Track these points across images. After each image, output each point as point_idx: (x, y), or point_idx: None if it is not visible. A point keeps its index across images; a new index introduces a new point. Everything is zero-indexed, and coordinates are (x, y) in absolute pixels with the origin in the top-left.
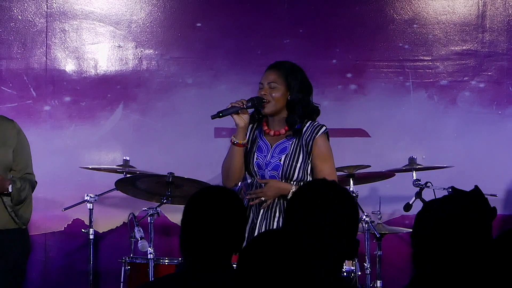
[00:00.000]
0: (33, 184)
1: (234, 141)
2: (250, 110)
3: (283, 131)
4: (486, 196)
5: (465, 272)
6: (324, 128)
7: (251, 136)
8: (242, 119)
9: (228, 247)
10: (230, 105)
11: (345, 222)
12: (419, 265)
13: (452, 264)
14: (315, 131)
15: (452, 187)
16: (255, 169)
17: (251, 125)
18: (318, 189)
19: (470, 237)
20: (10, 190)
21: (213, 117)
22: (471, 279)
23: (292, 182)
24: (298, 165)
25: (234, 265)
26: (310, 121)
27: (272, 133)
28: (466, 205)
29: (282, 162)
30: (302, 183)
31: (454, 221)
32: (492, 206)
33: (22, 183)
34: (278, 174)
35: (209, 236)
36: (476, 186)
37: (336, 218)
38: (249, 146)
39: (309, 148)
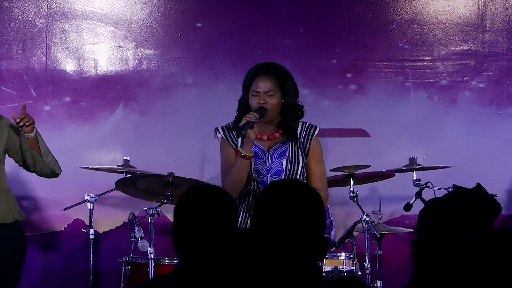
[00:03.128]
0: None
1: (245, 155)
2: None
3: (277, 135)
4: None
5: (468, 269)
6: (318, 129)
7: (240, 143)
8: (253, 133)
9: (221, 245)
10: (246, 120)
11: (313, 221)
12: (422, 264)
13: (456, 262)
14: (311, 133)
15: (454, 185)
16: (253, 175)
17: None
18: (284, 189)
19: (473, 233)
20: (32, 134)
21: (239, 135)
22: (474, 277)
23: None
24: (300, 168)
25: None
26: (301, 122)
27: (265, 137)
28: (468, 202)
29: (284, 167)
30: None
31: (457, 218)
32: (497, 203)
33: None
34: (280, 178)
35: (201, 235)
36: (478, 184)
37: (303, 217)
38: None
39: (306, 150)
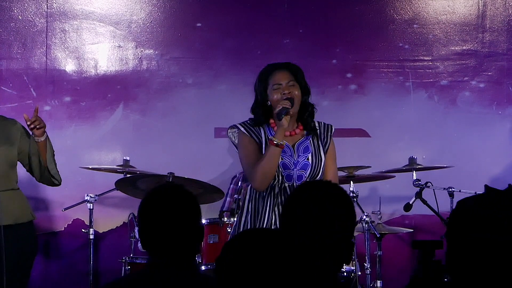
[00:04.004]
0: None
1: (278, 143)
2: None
3: (298, 130)
4: None
5: (502, 274)
6: (333, 128)
7: (266, 138)
8: (286, 121)
9: (186, 243)
10: (281, 107)
11: (343, 224)
12: (454, 268)
13: (489, 267)
14: (329, 130)
15: (485, 186)
16: (280, 169)
17: (261, 128)
18: (316, 190)
19: (507, 236)
20: (42, 138)
21: (280, 119)
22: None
23: None
24: (322, 164)
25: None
26: (316, 121)
27: (287, 133)
28: (502, 203)
29: (310, 161)
30: None
31: (490, 221)
32: None
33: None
34: (306, 173)
35: (165, 233)
36: (509, 185)
37: (334, 220)
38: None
39: (326, 147)
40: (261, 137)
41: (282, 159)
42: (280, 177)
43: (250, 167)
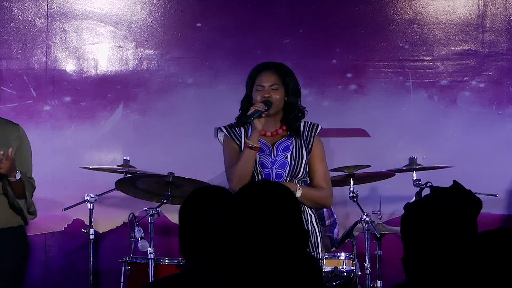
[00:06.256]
0: (33, 187)
1: (252, 145)
2: None
3: (280, 131)
4: (467, 189)
5: (455, 268)
6: (320, 127)
7: (244, 137)
8: (260, 123)
9: (225, 245)
10: (254, 110)
11: (287, 218)
12: (410, 268)
13: (443, 262)
14: (313, 130)
15: (431, 185)
16: (259, 168)
17: (242, 129)
18: (262, 190)
19: (457, 231)
20: (17, 177)
21: (244, 123)
22: (461, 275)
23: (295, 180)
24: (303, 162)
25: None
26: (303, 121)
27: (269, 133)
28: (448, 200)
29: (289, 160)
30: (301, 181)
31: (439, 219)
32: (477, 198)
33: (27, 180)
34: (285, 171)
35: (208, 236)
36: (454, 181)
37: (277, 215)
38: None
39: (309, 147)
40: (241, 138)
41: (260, 158)
42: (260, 176)
43: (228, 170)
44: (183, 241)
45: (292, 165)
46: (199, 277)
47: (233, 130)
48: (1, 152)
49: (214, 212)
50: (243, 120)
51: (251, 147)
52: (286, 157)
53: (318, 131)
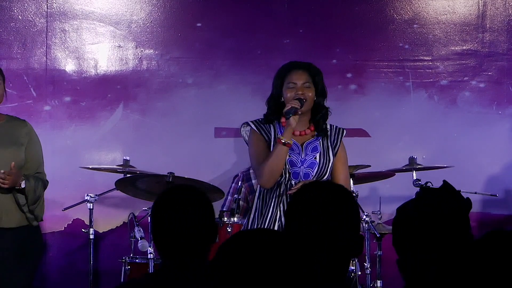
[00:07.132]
0: (45, 184)
1: (285, 142)
2: None
3: (308, 131)
4: (456, 189)
5: (454, 267)
6: (345, 132)
7: (275, 136)
8: (294, 120)
9: (200, 243)
10: (290, 106)
11: (346, 221)
12: (407, 270)
13: (442, 261)
14: (340, 134)
15: (420, 187)
16: (287, 166)
17: (271, 125)
18: (318, 190)
19: (453, 230)
20: (22, 186)
21: (287, 118)
22: (456, 276)
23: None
24: (330, 164)
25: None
26: (328, 124)
27: (297, 133)
28: (438, 201)
29: (317, 160)
30: None
31: (435, 218)
32: (466, 198)
33: (35, 182)
34: (313, 171)
35: (180, 234)
36: (444, 181)
37: (337, 217)
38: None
39: (335, 150)
40: (271, 135)
41: (289, 156)
42: (287, 174)
43: (258, 164)
44: (157, 241)
45: (320, 166)
46: (175, 277)
47: (262, 126)
48: (2, 171)
49: (185, 211)
50: (286, 115)
51: (284, 143)
52: (315, 158)
53: (344, 135)
